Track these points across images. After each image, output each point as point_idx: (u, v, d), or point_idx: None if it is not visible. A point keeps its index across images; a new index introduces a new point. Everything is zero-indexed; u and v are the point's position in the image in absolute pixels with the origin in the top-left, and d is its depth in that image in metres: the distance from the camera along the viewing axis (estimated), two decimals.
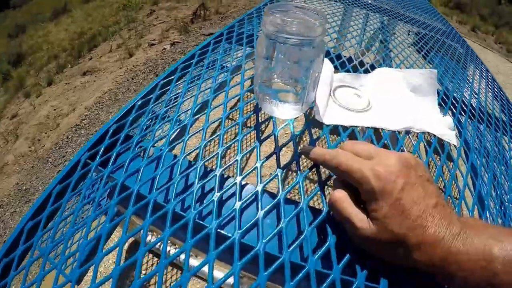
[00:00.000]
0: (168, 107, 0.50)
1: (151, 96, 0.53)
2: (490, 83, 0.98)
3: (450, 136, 0.49)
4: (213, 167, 0.41)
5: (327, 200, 0.33)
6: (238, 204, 0.35)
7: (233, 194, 0.38)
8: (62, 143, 2.21)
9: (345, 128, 0.47)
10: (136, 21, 4.37)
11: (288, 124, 0.46)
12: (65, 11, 6.30)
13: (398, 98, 0.53)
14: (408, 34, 1.03)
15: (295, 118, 0.45)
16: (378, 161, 0.29)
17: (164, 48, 2.92)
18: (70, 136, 2.23)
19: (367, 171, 0.28)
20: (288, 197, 0.37)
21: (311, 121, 0.47)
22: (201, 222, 0.35)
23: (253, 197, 0.37)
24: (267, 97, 0.41)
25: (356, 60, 0.69)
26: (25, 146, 2.42)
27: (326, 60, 0.52)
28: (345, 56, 0.70)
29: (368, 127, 0.47)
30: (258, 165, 0.40)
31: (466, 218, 0.29)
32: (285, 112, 0.42)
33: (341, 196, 0.30)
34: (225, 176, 0.41)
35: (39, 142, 2.39)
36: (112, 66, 3.06)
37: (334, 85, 0.53)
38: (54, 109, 2.77)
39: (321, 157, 0.34)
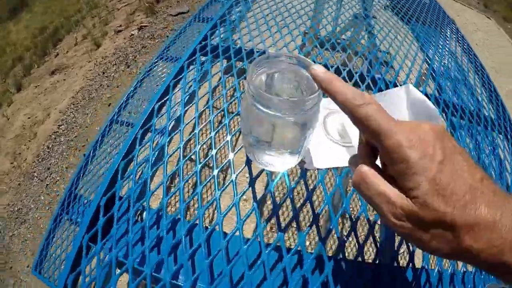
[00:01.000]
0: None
1: (133, 155, 0.49)
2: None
3: None
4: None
5: (351, 181, 0.27)
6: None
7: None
8: (44, 154, 2.09)
9: None
10: (99, 7, 4.06)
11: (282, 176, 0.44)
12: (23, 6, 5.84)
13: None
14: None
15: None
16: (410, 126, 0.23)
17: (132, 34, 2.72)
18: (50, 146, 2.10)
19: (401, 136, 0.22)
20: None
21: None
22: None
23: None
24: (258, 156, 0.38)
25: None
26: (7, 163, 2.30)
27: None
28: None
29: None
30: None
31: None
32: (278, 165, 0.40)
33: (369, 171, 0.24)
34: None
35: (20, 156, 2.26)
36: (81, 61, 2.86)
37: (323, 114, 0.46)
38: (28, 118, 2.61)
39: (343, 95, 0.25)
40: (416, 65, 0.71)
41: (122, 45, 2.63)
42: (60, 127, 2.16)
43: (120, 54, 2.49)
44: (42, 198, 1.82)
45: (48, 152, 2.07)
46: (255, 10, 0.82)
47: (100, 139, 0.73)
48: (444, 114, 0.61)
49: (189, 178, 0.44)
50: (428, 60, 0.77)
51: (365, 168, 0.25)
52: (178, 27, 0.91)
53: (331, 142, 0.43)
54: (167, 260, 0.37)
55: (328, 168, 0.42)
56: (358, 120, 0.24)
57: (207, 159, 0.46)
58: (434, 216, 0.21)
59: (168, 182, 0.45)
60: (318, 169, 0.41)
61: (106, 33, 3.10)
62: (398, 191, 0.23)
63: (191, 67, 0.65)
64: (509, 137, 0.70)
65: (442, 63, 0.80)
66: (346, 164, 0.39)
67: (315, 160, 0.40)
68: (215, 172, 0.44)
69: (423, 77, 0.74)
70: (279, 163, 0.39)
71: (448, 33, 0.98)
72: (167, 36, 2.51)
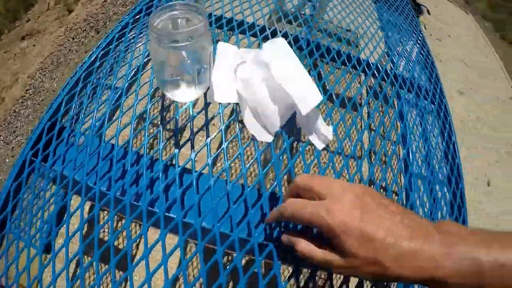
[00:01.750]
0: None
1: (76, 89, 0.57)
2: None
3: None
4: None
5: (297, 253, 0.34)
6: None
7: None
8: (11, 118, 2.07)
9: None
10: None
11: (188, 107, 0.50)
12: None
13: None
14: None
15: (196, 100, 0.49)
16: (332, 200, 0.30)
17: (105, 0, 2.65)
18: (17, 110, 2.08)
19: (324, 213, 0.29)
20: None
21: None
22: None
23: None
24: (167, 88, 0.46)
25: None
26: None
27: (224, 44, 0.55)
28: None
29: None
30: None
31: (441, 223, 0.30)
32: (181, 96, 0.47)
33: (304, 246, 0.32)
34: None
35: None
36: (52, 26, 2.78)
37: (236, 62, 0.52)
38: None
39: (275, 217, 0.35)
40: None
41: (94, 11, 2.57)
42: (28, 91, 2.13)
43: (91, 20, 2.45)
44: (7, 160, 1.82)
45: (15, 116, 2.06)
46: None
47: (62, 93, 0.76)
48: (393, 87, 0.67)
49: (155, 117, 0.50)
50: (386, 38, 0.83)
51: (300, 247, 0.32)
52: None
53: (233, 82, 0.49)
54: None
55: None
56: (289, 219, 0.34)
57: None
58: (363, 261, 0.28)
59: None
60: (217, 101, 0.47)
61: None
62: (331, 253, 0.30)
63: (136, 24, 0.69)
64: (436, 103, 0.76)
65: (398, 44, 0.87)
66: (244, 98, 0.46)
67: (216, 94, 0.46)
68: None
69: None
70: (181, 94, 0.46)
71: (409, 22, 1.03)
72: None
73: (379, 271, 0.28)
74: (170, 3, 0.40)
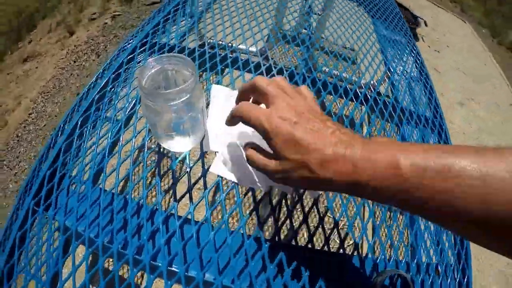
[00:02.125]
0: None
1: (74, 136, 0.57)
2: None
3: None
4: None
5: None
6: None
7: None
8: (14, 143, 2.09)
9: None
10: None
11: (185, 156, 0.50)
12: None
13: None
14: None
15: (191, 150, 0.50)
16: (274, 110, 0.33)
17: (105, 23, 2.70)
18: (20, 134, 2.10)
19: (263, 118, 0.32)
20: None
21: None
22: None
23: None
24: (162, 140, 0.46)
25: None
26: None
27: (219, 88, 0.55)
28: None
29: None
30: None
31: (374, 137, 0.31)
32: (177, 147, 0.47)
33: (250, 152, 0.37)
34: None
35: None
36: (53, 49, 2.82)
37: (229, 107, 0.53)
38: (0, 106, 2.58)
39: (229, 119, 0.39)
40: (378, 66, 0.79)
41: (95, 33, 2.62)
42: (30, 115, 2.16)
43: (92, 43, 2.49)
44: (11, 186, 1.83)
45: (18, 141, 2.08)
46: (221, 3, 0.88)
47: (61, 127, 0.77)
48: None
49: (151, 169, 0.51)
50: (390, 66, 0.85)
51: (247, 154, 0.37)
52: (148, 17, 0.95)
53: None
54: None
55: None
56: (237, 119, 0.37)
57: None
58: (291, 163, 0.31)
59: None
60: (214, 150, 0.47)
61: (80, 20, 3.06)
62: (267, 158, 0.34)
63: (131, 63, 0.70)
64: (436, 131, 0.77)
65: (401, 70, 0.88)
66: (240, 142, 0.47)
67: (211, 143, 0.47)
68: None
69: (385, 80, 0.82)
70: (176, 145, 0.46)
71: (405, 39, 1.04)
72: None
73: (307, 174, 0.30)
74: (157, 56, 0.39)
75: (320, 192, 0.48)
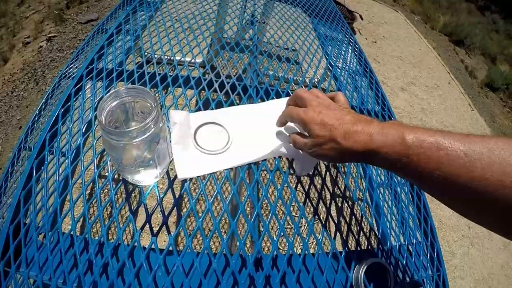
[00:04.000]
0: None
1: (31, 183, 0.53)
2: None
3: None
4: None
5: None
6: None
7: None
8: None
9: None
10: (7, 15, 3.66)
11: (153, 188, 0.49)
12: None
13: (257, 131, 0.56)
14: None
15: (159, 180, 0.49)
16: (309, 107, 0.45)
17: (41, 46, 2.53)
18: None
19: (301, 113, 0.44)
20: None
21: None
22: None
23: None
24: (126, 175, 0.46)
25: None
26: None
27: (177, 112, 0.53)
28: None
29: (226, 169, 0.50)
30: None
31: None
32: (143, 179, 0.47)
33: (294, 136, 0.47)
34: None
35: None
36: None
37: (195, 126, 0.54)
38: None
39: (281, 120, 0.52)
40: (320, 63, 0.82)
41: (31, 59, 2.45)
42: None
43: (29, 70, 2.32)
44: None
45: None
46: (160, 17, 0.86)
47: (9, 168, 0.71)
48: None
49: (107, 204, 0.48)
50: (330, 62, 0.89)
51: (292, 139, 0.47)
52: (87, 37, 0.91)
53: (198, 152, 0.50)
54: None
55: (196, 177, 0.48)
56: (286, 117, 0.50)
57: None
58: (324, 138, 0.41)
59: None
60: (182, 178, 0.47)
61: (14, 46, 2.84)
62: (307, 139, 0.44)
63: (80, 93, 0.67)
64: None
65: (342, 65, 0.92)
66: (213, 170, 0.47)
67: (179, 171, 0.47)
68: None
69: (326, 77, 0.85)
70: (143, 178, 0.45)
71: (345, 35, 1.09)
72: (76, 47, 2.40)
73: (335, 145, 0.39)
74: (114, 90, 0.38)
75: (309, 172, 0.55)
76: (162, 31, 0.81)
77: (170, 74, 0.68)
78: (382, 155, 0.36)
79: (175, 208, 0.46)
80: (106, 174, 0.50)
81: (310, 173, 0.55)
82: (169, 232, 0.45)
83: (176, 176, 0.48)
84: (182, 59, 0.72)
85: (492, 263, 1.92)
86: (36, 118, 0.82)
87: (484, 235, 2.02)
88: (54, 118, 0.62)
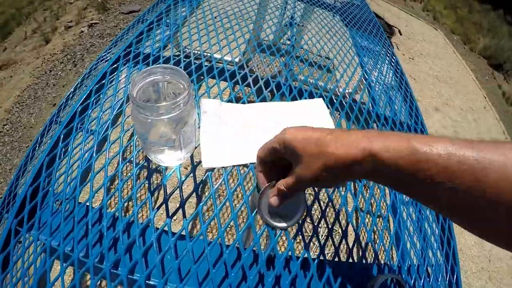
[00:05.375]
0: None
1: (56, 151, 0.55)
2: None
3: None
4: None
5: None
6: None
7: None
8: None
9: None
10: (51, 0, 3.86)
11: (175, 170, 0.48)
12: None
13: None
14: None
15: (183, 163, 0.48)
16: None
17: (82, 31, 2.64)
18: None
19: (280, 135, 0.36)
20: None
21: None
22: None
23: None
24: (151, 153, 0.45)
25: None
26: None
27: (209, 101, 0.54)
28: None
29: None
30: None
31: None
32: (167, 161, 0.46)
33: (281, 183, 0.38)
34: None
35: None
36: (29, 57, 2.73)
37: (226, 116, 0.54)
38: None
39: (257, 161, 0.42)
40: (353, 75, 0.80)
41: (71, 42, 2.55)
42: (5, 126, 2.06)
43: (69, 52, 2.42)
44: None
45: None
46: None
47: (39, 139, 0.74)
48: (375, 124, 0.70)
49: (128, 179, 0.49)
50: (364, 73, 0.87)
51: (281, 184, 0.38)
52: (127, 26, 0.94)
53: (225, 143, 0.49)
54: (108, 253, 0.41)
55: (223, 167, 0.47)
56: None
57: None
58: (311, 158, 0.33)
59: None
60: (207, 167, 0.46)
61: (56, 28, 2.98)
62: (295, 175, 0.36)
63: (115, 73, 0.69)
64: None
65: (376, 77, 0.90)
66: (238, 163, 0.47)
67: (204, 159, 0.46)
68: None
69: (359, 90, 0.83)
70: (166, 158, 0.45)
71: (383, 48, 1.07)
72: (116, 35, 2.48)
73: (326, 160, 0.32)
74: (150, 67, 0.38)
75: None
76: (201, 24, 0.81)
77: (205, 64, 0.68)
78: (383, 162, 0.29)
79: (194, 194, 0.46)
80: (131, 152, 0.50)
81: None
82: (184, 216, 0.44)
83: (200, 162, 0.47)
84: (219, 53, 0.73)
85: None
86: (71, 96, 0.85)
87: (504, 271, 1.91)
88: (87, 92, 0.63)
